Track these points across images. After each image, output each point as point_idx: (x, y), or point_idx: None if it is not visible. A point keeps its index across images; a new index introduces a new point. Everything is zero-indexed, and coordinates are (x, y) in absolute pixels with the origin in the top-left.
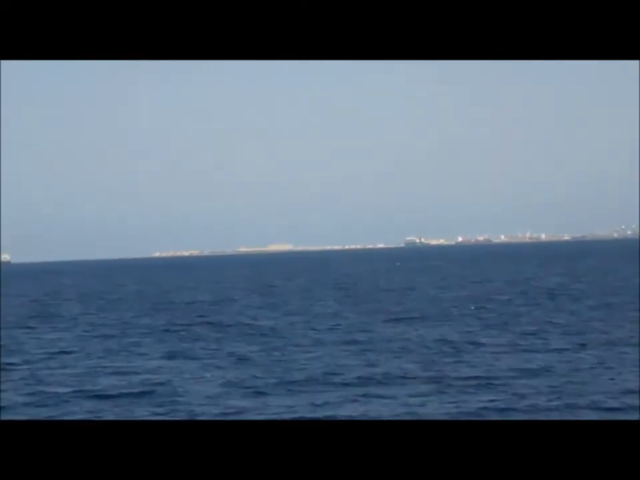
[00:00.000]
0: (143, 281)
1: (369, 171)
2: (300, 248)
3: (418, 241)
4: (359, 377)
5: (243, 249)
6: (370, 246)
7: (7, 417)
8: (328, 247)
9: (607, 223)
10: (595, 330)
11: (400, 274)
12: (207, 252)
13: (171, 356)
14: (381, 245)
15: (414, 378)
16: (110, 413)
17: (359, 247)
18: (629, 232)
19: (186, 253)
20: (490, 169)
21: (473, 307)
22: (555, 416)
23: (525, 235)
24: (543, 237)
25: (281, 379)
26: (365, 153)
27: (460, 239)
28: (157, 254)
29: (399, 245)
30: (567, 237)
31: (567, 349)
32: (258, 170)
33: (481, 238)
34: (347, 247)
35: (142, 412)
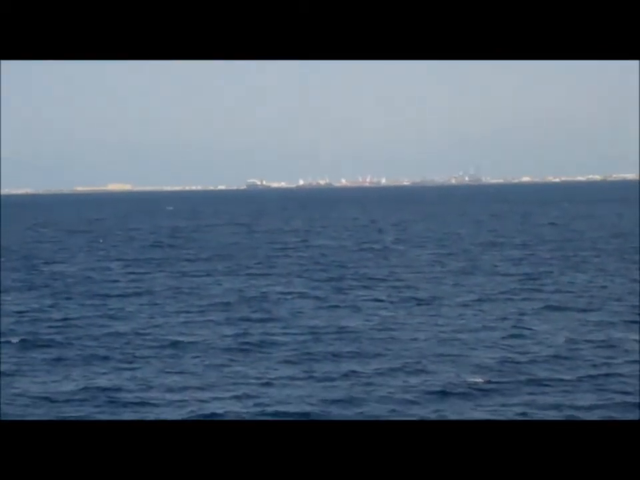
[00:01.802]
0: None
1: (210, 111)
2: (139, 188)
3: (259, 183)
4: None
5: (80, 189)
6: (211, 187)
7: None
8: (168, 188)
9: (445, 169)
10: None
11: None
12: (41, 190)
13: None
14: (222, 187)
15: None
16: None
17: (199, 187)
18: (466, 178)
19: (20, 191)
20: (332, 113)
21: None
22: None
23: (366, 179)
24: (383, 181)
25: None
26: (209, 95)
27: (301, 182)
28: None
29: (241, 187)
30: (406, 182)
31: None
32: (98, 108)
33: (322, 182)
34: (187, 187)
35: None
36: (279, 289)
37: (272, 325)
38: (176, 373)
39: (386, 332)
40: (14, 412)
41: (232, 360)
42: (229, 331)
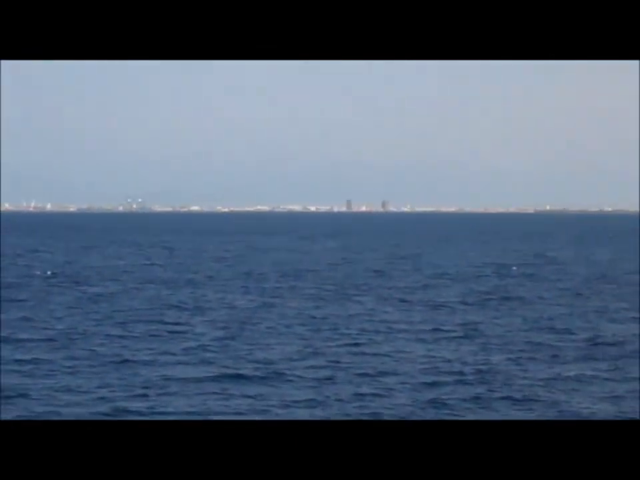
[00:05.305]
0: None
1: None
2: None
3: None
4: None
5: None
6: None
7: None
8: None
9: (112, 196)
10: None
11: None
12: None
13: None
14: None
15: None
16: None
17: None
18: (134, 206)
19: None
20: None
21: None
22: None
23: (30, 204)
24: (49, 206)
25: None
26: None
27: None
28: None
29: None
30: (72, 208)
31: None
32: None
33: None
34: None
35: None
36: None
37: None
38: None
39: None
40: None
41: None
42: None
